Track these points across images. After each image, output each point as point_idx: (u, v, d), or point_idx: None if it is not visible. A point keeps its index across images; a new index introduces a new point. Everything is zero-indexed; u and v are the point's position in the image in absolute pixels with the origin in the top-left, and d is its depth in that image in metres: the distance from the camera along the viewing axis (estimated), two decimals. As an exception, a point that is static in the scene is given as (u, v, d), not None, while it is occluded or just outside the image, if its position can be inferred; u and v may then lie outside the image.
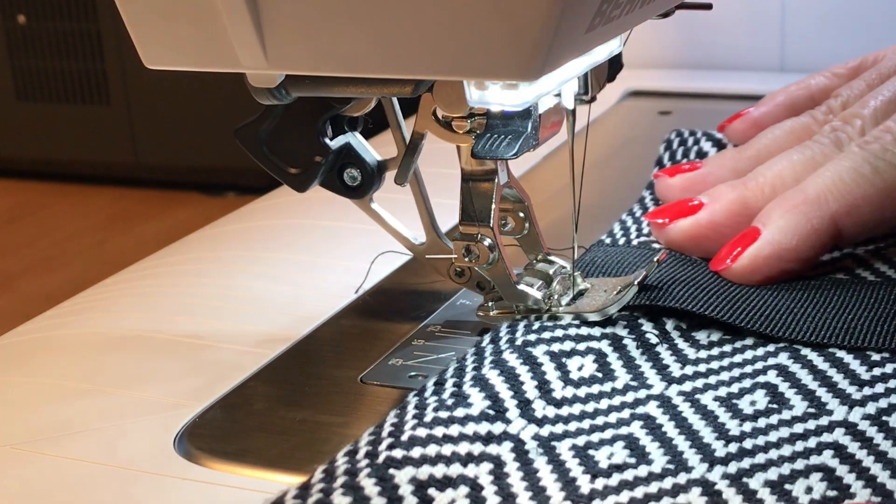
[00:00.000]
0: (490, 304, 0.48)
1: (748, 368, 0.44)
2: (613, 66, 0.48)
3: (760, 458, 0.38)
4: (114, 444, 0.44)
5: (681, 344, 0.46)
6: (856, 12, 0.95)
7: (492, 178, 0.46)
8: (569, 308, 0.47)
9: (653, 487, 0.37)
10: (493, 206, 0.46)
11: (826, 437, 0.39)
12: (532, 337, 0.45)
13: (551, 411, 0.41)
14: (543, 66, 0.37)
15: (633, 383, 0.43)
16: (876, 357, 0.43)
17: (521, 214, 0.49)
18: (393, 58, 0.38)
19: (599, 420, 0.41)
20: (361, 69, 0.39)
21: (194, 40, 0.40)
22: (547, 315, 0.47)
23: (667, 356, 0.45)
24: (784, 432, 0.39)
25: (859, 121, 0.54)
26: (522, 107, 0.43)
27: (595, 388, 0.43)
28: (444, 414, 0.40)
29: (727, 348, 0.45)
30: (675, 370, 0.44)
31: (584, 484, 0.38)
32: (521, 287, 0.47)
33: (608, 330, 0.46)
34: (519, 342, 0.45)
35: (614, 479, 0.38)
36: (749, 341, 0.45)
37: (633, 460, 0.39)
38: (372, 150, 0.49)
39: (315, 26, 0.38)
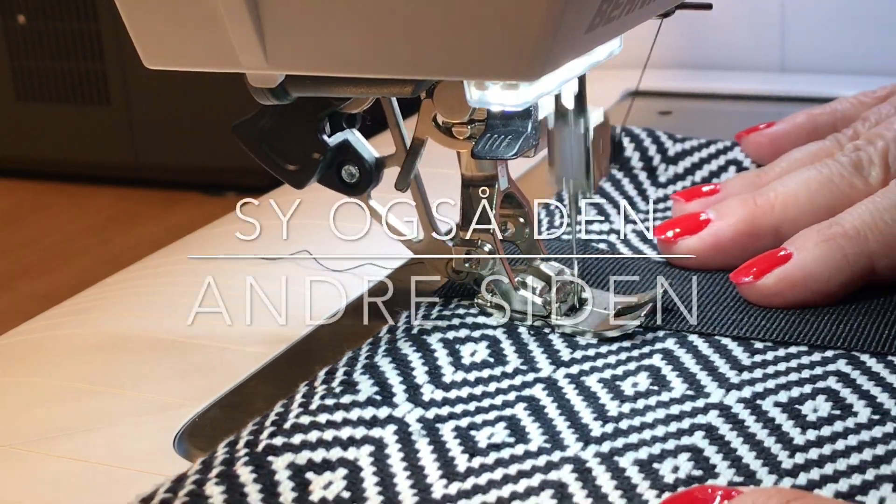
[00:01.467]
0: (489, 293, 0.48)
1: (635, 353, 0.45)
2: (616, 150, 0.48)
3: (633, 438, 0.39)
4: (114, 444, 0.44)
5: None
6: (856, 12, 0.95)
7: (492, 183, 0.46)
8: (567, 320, 0.47)
9: (526, 465, 0.38)
10: (494, 211, 0.46)
11: (700, 419, 0.40)
12: (428, 325, 0.46)
13: (439, 394, 0.42)
14: (544, 66, 0.37)
15: (523, 367, 0.44)
16: (759, 345, 0.44)
17: (522, 220, 0.49)
18: (393, 58, 0.38)
19: (486, 402, 0.42)
20: (361, 69, 0.39)
21: (194, 40, 0.40)
22: (544, 323, 0.47)
23: (558, 342, 0.46)
24: (660, 413, 0.41)
25: (881, 142, 0.53)
26: (522, 107, 0.43)
27: (485, 373, 0.44)
28: (330, 401, 0.41)
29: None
30: (565, 354, 0.45)
31: (462, 462, 0.38)
32: (522, 293, 0.47)
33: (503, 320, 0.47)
34: (415, 331, 0.46)
35: (491, 458, 0.39)
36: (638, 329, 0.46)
37: (511, 440, 0.40)
38: (370, 147, 0.49)
39: (315, 26, 0.38)
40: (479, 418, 0.41)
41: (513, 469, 0.38)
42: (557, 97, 0.46)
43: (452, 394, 0.42)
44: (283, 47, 0.39)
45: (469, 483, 0.37)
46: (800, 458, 0.38)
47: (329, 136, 0.48)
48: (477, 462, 0.38)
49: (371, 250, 0.57)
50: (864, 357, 0.43)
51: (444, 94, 0.44)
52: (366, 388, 0.42)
